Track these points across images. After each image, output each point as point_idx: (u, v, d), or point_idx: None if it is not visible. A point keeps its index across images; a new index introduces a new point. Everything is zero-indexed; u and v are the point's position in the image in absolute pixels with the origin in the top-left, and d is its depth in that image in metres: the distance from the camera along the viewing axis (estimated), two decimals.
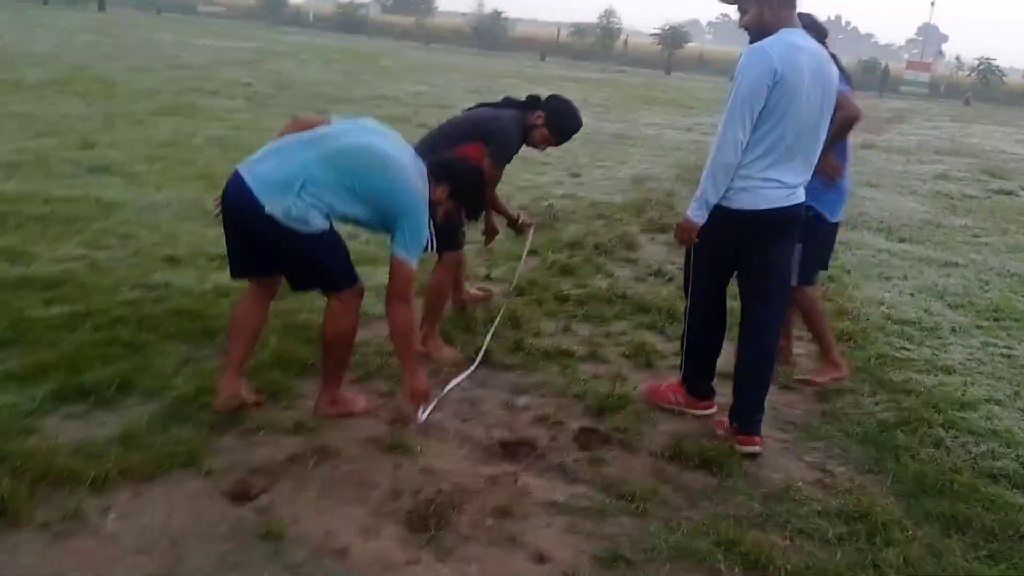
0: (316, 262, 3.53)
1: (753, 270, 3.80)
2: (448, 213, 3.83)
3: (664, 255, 7.11)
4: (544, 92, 4.97)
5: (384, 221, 3.55)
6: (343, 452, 3.48)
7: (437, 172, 3.72)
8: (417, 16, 59.40)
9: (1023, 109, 39.87)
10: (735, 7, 3.67)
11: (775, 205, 3.59)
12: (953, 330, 5.69)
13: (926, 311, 6.06)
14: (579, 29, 55.55)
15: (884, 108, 31.14)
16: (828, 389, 4.54)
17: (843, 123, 4.21)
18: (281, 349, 4.27)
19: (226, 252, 3.68)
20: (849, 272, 7.01)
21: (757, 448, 3.77)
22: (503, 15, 54.52)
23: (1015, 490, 3.60)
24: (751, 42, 3.53)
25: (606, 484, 3.43)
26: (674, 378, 4.31)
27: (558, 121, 4.63)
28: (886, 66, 49.48)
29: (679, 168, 11.78)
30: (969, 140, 21.01)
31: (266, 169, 3.42)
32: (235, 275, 3.74)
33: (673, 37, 52.53)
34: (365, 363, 4.30)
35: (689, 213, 3.66)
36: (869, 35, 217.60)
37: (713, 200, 3.57)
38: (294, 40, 36.04)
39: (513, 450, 3.66)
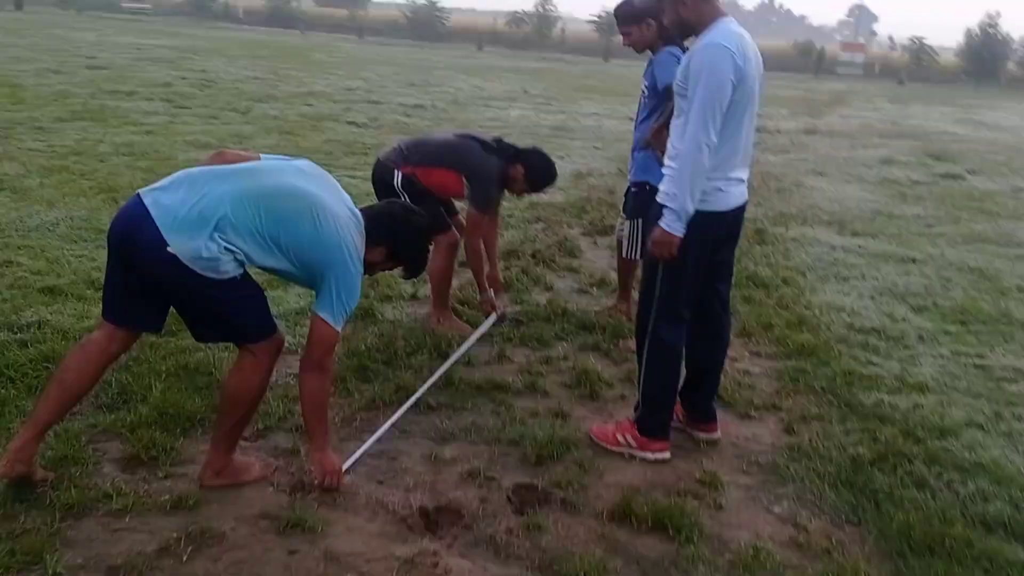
0: (225, 313, 3.02)
1: (714, 269, 3.66)
2: (383, 269, 3.46)
3: (607, 261, 6.59)
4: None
5: (309, 276, 3.07)
6: (228, 536, 2.89)
7: (377, 230, 3.23)
8: (349, 8, 58.16)
9: (956, 87, 40.13)
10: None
11: (740, 202, 3.56)
12: (920, 338, 5.25)
13: (889, 316, 5.63)
14: (516, 18, 54.86)
15: (823, 90, 31.05)
16: (794, 418, 4.07)
17: None
18: (166, 401, 3.67)
19: (103, 285, 3.11)
20: (804, 274, 6.56)
21: (719, 434, 3.85)
22: (438, 5, 53.60)
23: (1015, 542, 3.12)
24: (671, 42, 3.71)
25: (545, 560, 2.89)
26: (622, 416, 3.82)
27: (536, 176, 4.82)
28: (822, 48, 49.65)
29: (620, 161, 11.27)
30: (910, 121, 20.88)
31: (174, 200, 2.89)
32: (107, 316, 3.10)
33: (610, 23, 51.74)
34: (266, 411, 3.70)
35: (665, 226, 3.35)
36: (802, 17, 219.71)
37: (691, 209, 3.32)
38: (222, 36, 34.89)
39: (436, 520, 3.10)
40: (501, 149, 4.76)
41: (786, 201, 9.63)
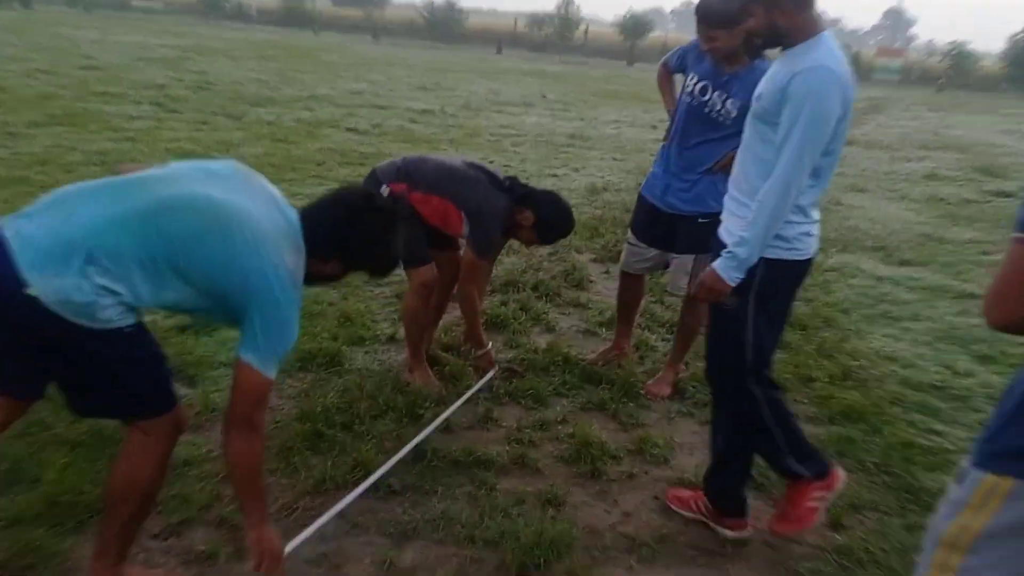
0: (106, 376, 2.29)
1: None
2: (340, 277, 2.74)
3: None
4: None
5: (227, 311, 2.38)
6: None
7: (323, 241, 2.53)
8: (366, 8, 57.54)
9: (997, 95, 38.99)
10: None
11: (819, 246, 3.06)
12: (990, 397, 4.44)
13: (950, 369, 4.83)
14: (537, 19, 54.06)
15: (858, 98, 29.75)
16: (843, 506, 3.30)
17: None
18: (63, 483, 2.96)
19: None
20: (848, 312, 5.76)
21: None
22: (457, 6, 52.90)
23: None
24: (756, 51, 3.03)
25: None
26: (627, 502, 3.18)
27: (547, 226, 4.10)
28: (857, 53, 48.48)
29: (639, 174, 10.50)
30: (952, 132, 19.87)
31: (37, 229, 2.17)
32: None
33: (635, 26, 51.02)
34: (185, 496, 2.97)
35: (723, 271, 2.82)
36: (836, 20, 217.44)
37: (756, 258, 2.79)
38: (231, 36, 34.23)
39: None
40: (511, 189, 4.07)
41: (823, 222, 8.78)
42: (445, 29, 50.44)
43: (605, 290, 5.88)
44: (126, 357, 2.29)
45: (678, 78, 4.26)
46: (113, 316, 2.19)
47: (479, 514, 3.08)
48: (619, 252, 6.56)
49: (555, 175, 10.08)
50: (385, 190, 3.95)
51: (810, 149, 2.66)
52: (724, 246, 2.85)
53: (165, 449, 2.44)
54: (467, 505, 3.14)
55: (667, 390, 4.28)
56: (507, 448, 3.57)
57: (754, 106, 2.85)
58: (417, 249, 3.98)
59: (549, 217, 4.06)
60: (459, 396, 3.92)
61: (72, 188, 2.30)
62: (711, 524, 3.18)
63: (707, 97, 3.90)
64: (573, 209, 4.21)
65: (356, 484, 3.13)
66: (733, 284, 2.81)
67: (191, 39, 28.29)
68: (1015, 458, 1.64)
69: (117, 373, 2.29)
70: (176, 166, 2.49)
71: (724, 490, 3.17)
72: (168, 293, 2.29)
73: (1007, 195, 11.19)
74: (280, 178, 8.33)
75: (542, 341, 4.77)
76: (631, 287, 4.61)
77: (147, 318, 2.42)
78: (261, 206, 2.41)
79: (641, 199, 4.37)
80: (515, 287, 5.61)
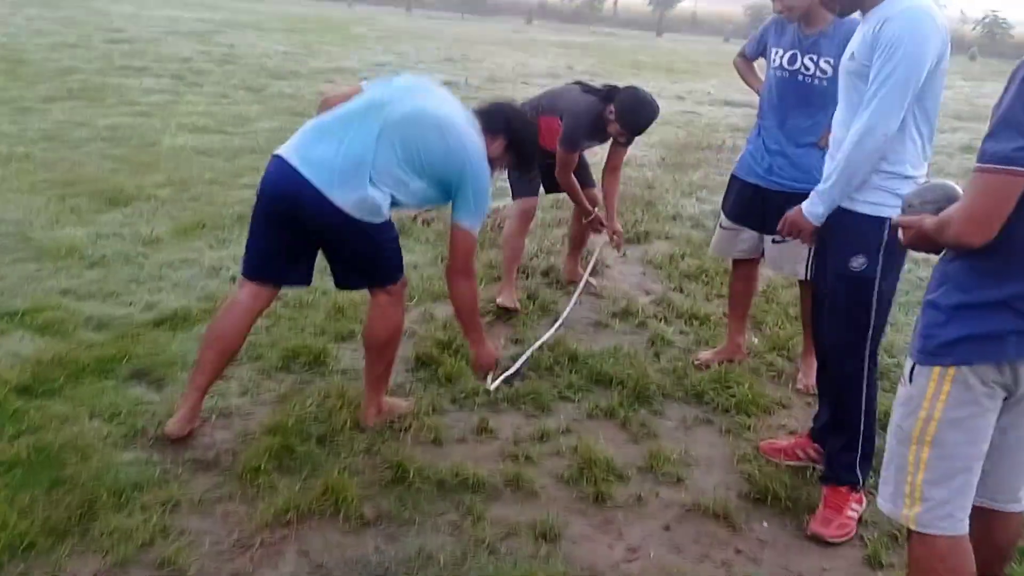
0: (380, 255, 3.23)
1: None
2: (505, 167, 3.58)
3: (636, 281, 5.41)
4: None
5: (446, 191, 3.19)
6: None
7: (492, 122, 3.32)
8: None
9: None
10: None
11: None
12: None
13: None
14: None
15: None
16: (880, 536, 2.90)
17: None
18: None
19: (249, 249, 3.24)
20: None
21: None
22: None
23: None
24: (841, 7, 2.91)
25: None
26: (633, 535, 2.82)
27: (627, 117, 4.51)
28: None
29: (664, 148, 10.05)
30: (987, 101, 19.02)
31: (324, 155, 3.01)
32: (254, 275, 3.26)
33: None
34: (125, 531, 2.63)
35: (807, 210, 2.95)
36: None
37: (839, 198, 2.86)
38: (265, 9, 33.74)
39: None
40: (599, 91, 4.59)
41: None
42: (477, 1, 49.70)
43: (620, 276, 5.47)
44: (388, 237, 3.19)
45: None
46: (386, 212, 3.08)
47: (463, 550, 2.71)
48: (638, 234, 6.20)
49: None
50: None
51: (901, 88, 2.63)
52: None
53: (403, 302, 3.42)
54: (449, 538, 2.78)
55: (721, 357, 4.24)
56: (501, 466, 3.20)
57: (848, 65, 2.80)
58: (528, 181, 4.69)
59: (627, 108, 4.47)
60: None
61: (326, 119, 3.12)
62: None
63: (797, 65, 3.76)
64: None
65: (323, 513, 2.80)
66: (815, 223, 2.91)
67: (225, 13, 27.92)
68: (956, 346, 1.97)
69: (385, 252, 3.21)
70: (384, 90, 3.20)
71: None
72: (413, 186, 3.09)
73: None
74: None
75: (548, 334, 4.38)
76: (744, 275, 4.27)
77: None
78: (449, 104, 3.20)
79: (735, 181, 4.13)
80: (525, 272, 5.21)
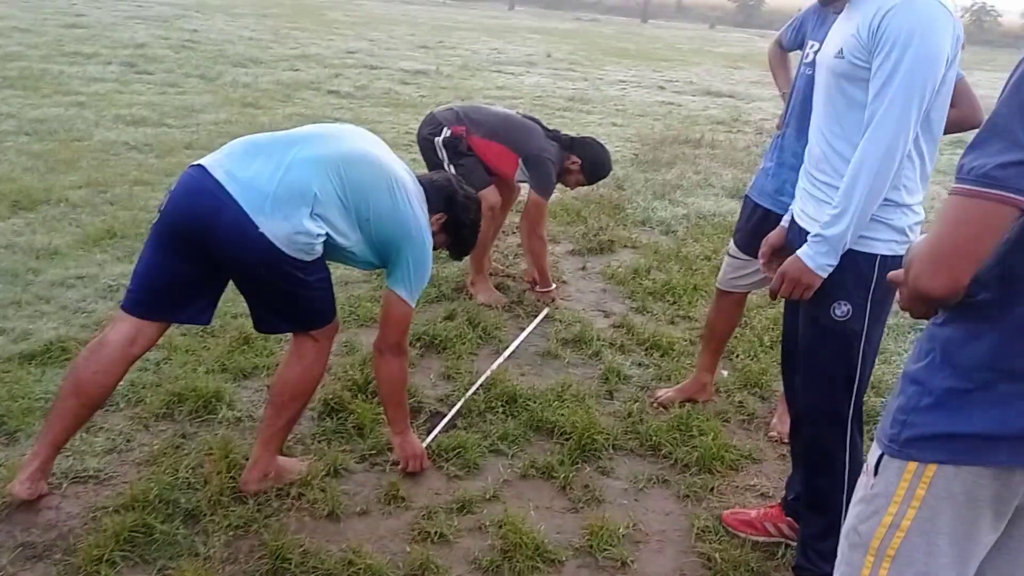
0: (306, 297, 2.70)
1: None
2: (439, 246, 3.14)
3: (595, 299, 4.83)
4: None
5: (379, 254, 2.81)
6: None
7: (435, 198, 2.99)
8: None
9: (1019, 52, 37.28)
10: None
11: None
12: None
13: None
14: None
15: None
16: None
17: None
18: None
19: (137, 275, 2.67)
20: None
21: None
22: None
23: None
24: None
25: None
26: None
27: (592, 168, 4.61)
28: None
29: (639, 142, 9.46)
30: (977, 91, 18.52)
31: (258, 175, 2.54)
32: (137, 309, 2.66)
33: None
34: None
35: (809, 258, 2.30)
36: None
37: (850, 238, 2.25)
38: None
39: None
40: (558, 137, 4.58)
41: None
42: None
43: (579, 294, 4.89)
44: (319, 279, 2.69)
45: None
46: (319, 249, 2.60)
47: None
48: (603, 243, 5.63)
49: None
50: (447, 131, 4.31)
51: (917, 97, 2.11)
52: (803, 235, 2.36)
53: (329, 350, 2.89)
54: None
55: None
56: (407, 548, 2.63)
57: (834, 64, 2.29)
58: (478, 176, 4.27)
59: (594, 162, 4.56)
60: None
61: (263, 137, 2.71)
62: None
63: (825, 55, 3.02)
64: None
65: None
66: (823, 274, 2.29)
67: None
68: (940, 441, 1.50)
69: (313, 294, 2.69)
70: (329, 126, 2.88)
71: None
72: (348, 236, 2.67)
73: None
74: None
75: (489, 365, 3.81)
76: (726, 309, 3.70)
77: None
78: (397, 163, 2.85)
79: (747, 203, 3.55)
80: (466, 294, 4.63)
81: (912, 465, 1.53)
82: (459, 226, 3.08)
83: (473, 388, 3.58)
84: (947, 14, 2.12)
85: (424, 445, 3.12)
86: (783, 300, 2.69)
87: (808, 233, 2.34)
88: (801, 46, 3.40)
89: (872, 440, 1.63)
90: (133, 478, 2.84)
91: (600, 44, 23.66)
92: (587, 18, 38.47)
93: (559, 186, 4.68)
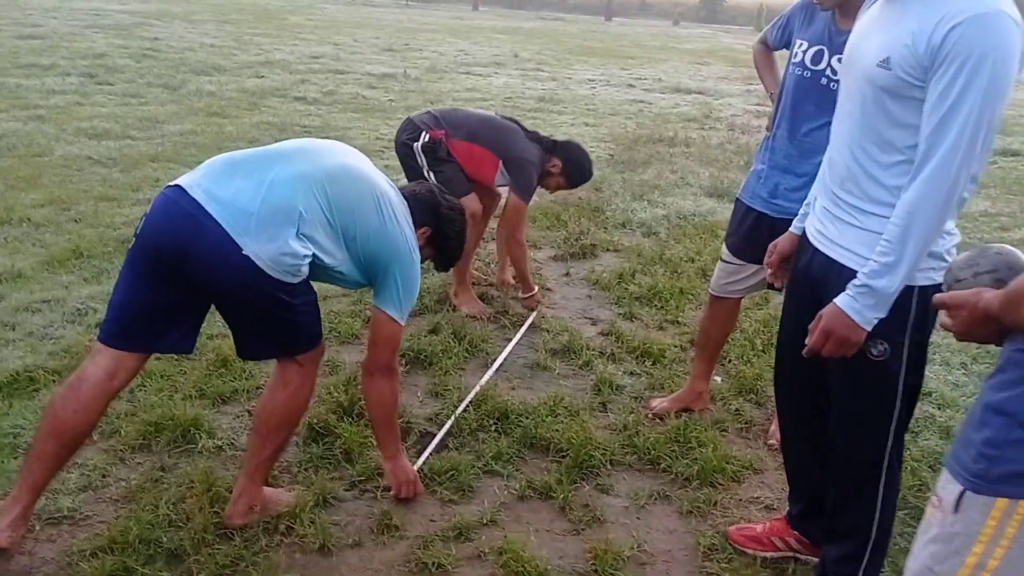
0: (292, 321, 2.55)
1: None
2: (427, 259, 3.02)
3: (582, 307, 4.72)
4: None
5: (365, 273, 2.69)
6: None
7: (419, 211, 2.86)
8: None
9: None
10: None
11: None
12: None
13: None
14: None
15: None
16: None
17: None
18: None
19: (114, 306, 2.50)
20: None
21: None
22: None
23: None
24: None
25: None
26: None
27: (574, 171, 4.55)
28: None
29: (613, 143, 9.37)
30: None
31: (239, 194, 2.39)
32: (116, 341, 2.49)
33: None
34: None
35: (855, 314, 2.02)
36: None
37: (900, 287, 2.00)
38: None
39: None
40: (540, 140, 4.50)
41: None
42: None
43: (564, 301, 4.78)
44: (305, 301, 2.54)
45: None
46: (304, 271, 2.46)
47: None
48: (585, 248, 5.53)
49: None
50: (425, 136, 4.21)
51: (984, 130, 1.87)
52: (820, 259, 2.19)
53: (315, 375, 2.72)
54: None
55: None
56: None
57: (877, 74, 2.01)
58: (459, 184, 4.16)
59: (575, 163, 4.50)
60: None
61: (242, 154, 2.55)
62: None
63: (822, 65, 3.01)
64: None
65: None
66: (870, 328, 2.03)
67: (155, 4, 26.72)
68: None
69: (299, 318, 2.55)
70: (309, 140, 2.73)
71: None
72: (334, 255, 2.54)
73: (1014, 154, 10.07)
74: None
75: (471, 382, 3.69)
76: (720, 315, 3.57)
77: None
78: (384, 180, 2.71)
79: (739, 206, 3.43)
80: (450, 305, 4.50)
81: (1002, 502, 1.41)
82: (445, 239, 2.97)
83: (463, 405, 3.45)
84: (1019, 31, 1.87)
85: (416, 467, 3.00)
86: (782, 301, 2.59)
87: (826, 257, 2.19)
88: (787, 45, 3.29)
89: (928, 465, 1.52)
90: (110, 517, 2.69)
91: (566, 43, 23.59)
92: (551, 17, 38.43)
93: (539, 189, 4.57)
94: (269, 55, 15.46)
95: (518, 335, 4.22)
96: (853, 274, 2.08)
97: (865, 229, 2.10)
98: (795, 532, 2.72)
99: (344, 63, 15.03)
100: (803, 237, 2.39)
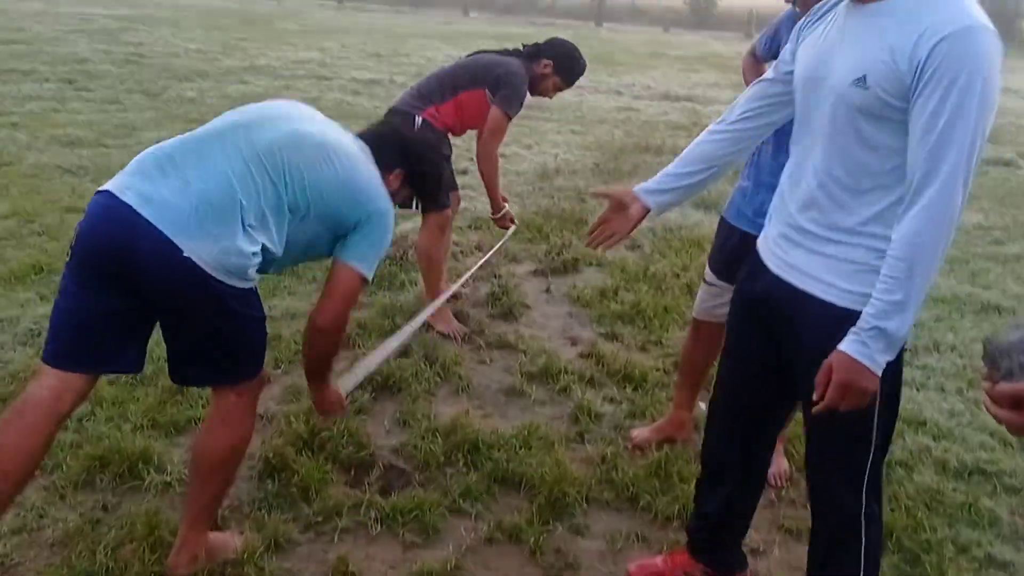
0: (237, 338, 2.35)
1: None
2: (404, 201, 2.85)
3: (562, 325, 4.53)
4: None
5: (335, 233, 2.47)
6: None
7: (388, 154, 2.66)
8: None
9: None
10: None
11: None
12: None
13: (998, 436, 3.55)
14: None
15: None
16: None
17: None
18: None
19: (55, 325, 2.32)
20: None
21: None
22: None
23: None
24: None
25: None
26: None
27: (566, 64, 4.40)
28: None
29: (598, 151, 9.19)
30: None
31: (172, 191, 2.19)
32: (60, 361, 2.29)
33: None
34: None
35: (867, 359, 1.83)
36: None
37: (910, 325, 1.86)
38: (186, 4, 32.38)
39: None
40: (518, 52, 4.42)
41: None
42: None
43: (543, 319, 4.59)
44: (253, 314, 2.36)
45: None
46: (254, 275, 2.29)
47: None
48: (567, 261, 5.35)
49: (502, 155, 8.65)
50: (419, 120, 4.07)
51: (978, 152, 1.77)
52: (782, 286, 2.05)
53: (255, 408, 2.52)
54: None
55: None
56: None
57: (850, 93, 1.87)
58: (440, 195, 3.94)
59: (566, 55, 4.37)
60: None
61: (170, 145, 2.34)
62: None
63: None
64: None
65: None
66: (878, 373, 1.85)
67: (142, 9, 26.50)
68: None
69: (243, 329, 2.35)
70: (239, 112, 2.50)
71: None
72: (296, 232, 2.37)
73: (1006, 163, 9.91)
74: None
75: (448, 412, 3.50)
76: (704, 340, 3.38)
77: None
78: (338, 131, 2.55)
79: (723, 225, 3.30)
80: (422, 326, 4.31)
81: None
82: (421, 177, 2.81)
83: (420, 319, 3.54)
84: (997, 43, 1.77)
85: (346, 395, 2.90)
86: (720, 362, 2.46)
87: (792, 287, 2.03)
88: (776, 56, 3.12)
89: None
90: (43, 564, 2.49)
91: None
92: (542, 22, 38.28)
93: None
94: (254, 60, 15.27)
95: (500, 243, 4.56)
96: (826, 305, 1.95)
97: (833, 257, 1.96)
98: (700, 563, 2.56)
99: (330, 68, 14.85)
100: (757, 260, 2.20)
